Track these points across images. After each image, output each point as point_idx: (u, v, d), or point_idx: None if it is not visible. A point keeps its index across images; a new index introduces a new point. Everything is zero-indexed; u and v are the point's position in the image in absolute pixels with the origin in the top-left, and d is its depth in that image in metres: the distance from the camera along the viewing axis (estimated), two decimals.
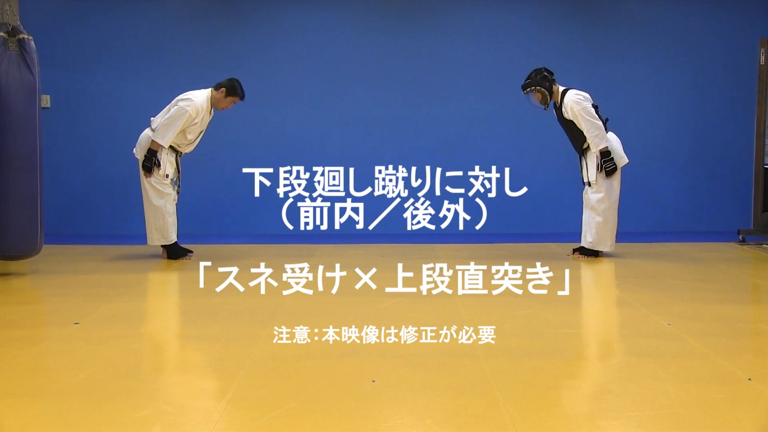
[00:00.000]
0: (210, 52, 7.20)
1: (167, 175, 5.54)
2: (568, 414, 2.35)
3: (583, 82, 7.31)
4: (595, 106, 5.57)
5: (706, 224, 7.34)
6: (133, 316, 3.83)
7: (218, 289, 4.54)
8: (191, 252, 5.65)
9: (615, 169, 5.47)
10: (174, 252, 5.57)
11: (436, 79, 7.09)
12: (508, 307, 3.99)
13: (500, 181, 7.41)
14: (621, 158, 5.56)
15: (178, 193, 5.68)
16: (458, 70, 7.25)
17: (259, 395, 2.59)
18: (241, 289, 4.87)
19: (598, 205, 5.46)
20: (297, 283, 4.92)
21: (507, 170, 6.91)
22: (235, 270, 5.25)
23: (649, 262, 5.51)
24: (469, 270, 5.20)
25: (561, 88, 5.61)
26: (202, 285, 4.67)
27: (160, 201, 5.51)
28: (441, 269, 5.24)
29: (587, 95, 5.57)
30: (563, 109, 5.56)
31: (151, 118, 5.60)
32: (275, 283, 5.00)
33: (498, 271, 4.83)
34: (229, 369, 2.83)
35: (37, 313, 4.11)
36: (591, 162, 5.52)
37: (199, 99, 5.47)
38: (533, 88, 5.54)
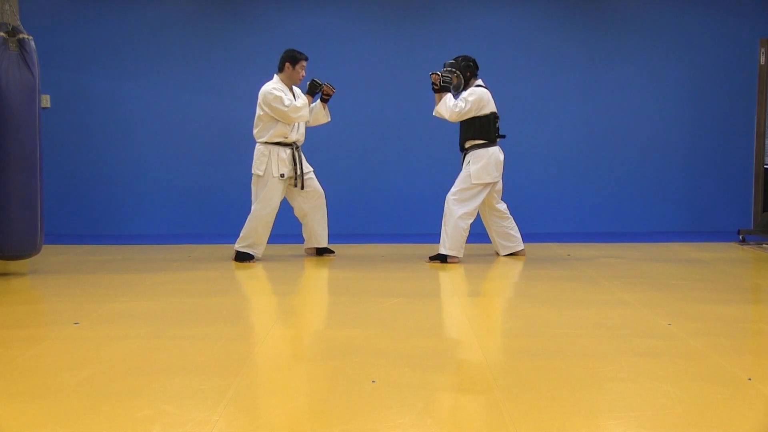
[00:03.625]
0: (210, 52, 7.21)
1: (282, 174, 5.42)
2: (568, 414, 2.35)
3: (583, 83, 7.33)
4: (495, 114, 5.45)
5: (706, 224, 7.34)
6: (133, 316, 3.83)
7: (218, 289, 4.55)
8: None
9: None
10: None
11: None
12: (508, 307, 3.98)
13: (501, 181, 7.39)
14: (488, 174, 5.40)
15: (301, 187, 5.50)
16: None
17: (259, 395, 2.59)
18: (241, 288, 4.88)
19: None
20: (297, 283, 4.92)
21: (505, 170, 6.91)
22: (234, 270, 5.27)
23: (649, 262, 5.51)
24: (469, 270, 5.21)
25: (480, 82, 5.53)
26: (202, 285, 4.68)
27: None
28: (441, 269, 5.25)
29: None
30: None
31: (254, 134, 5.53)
32: (275, 283, 5.01)
33: (498, 271, 4.83)
34: (229, 369, 2.83)
35: (37, 313, 4.11)
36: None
37: (269, 84, 5.39)
38: (453, 70, 5.45)
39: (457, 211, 5.34)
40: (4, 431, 2.24)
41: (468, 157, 5.46)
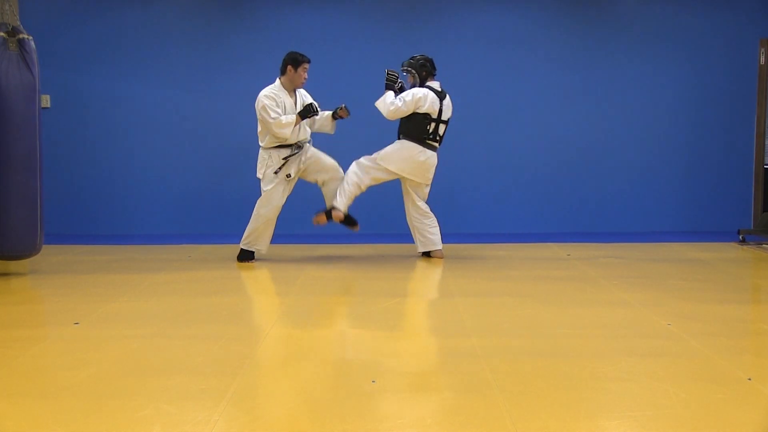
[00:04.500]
0: (210, 52, 7.20)
1: (289, 175, 5.42)
2: (568, 414, 2.35)
3: (583, 82, 7.33)
4: (431, 117, 5.45)
5: (706, 224, 7.33)
6: (133, 316, 3.83)
7: (218, 289, 4.55)
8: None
9: None
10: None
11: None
12: (508, 307, 3.99)
13: (501, 181, 7.44)
14: (394, 163, 5.44)
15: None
16: (458, 71, 7.24)
17: (259, 395, 2.59)
18: (241, 288, 4.88)
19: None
20: (297, 283, 4.92)
21: (506, 170, 6.93)
22: (234, 270, 5.27)
23: (650, 262, 5.51)
24: (468, 270, 5.21)
25: (437, 84, 5.52)
26: (202, 285, 4.68)
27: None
28: (441, 269, 5.25)
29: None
30: (445, 107, 5.47)
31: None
32: (275, 284, 5.01)
33: (498, 272, 4.83)
34: (229, 369, 2.83)
35: (37, 313, 4.11)
36: None
37: (266, 90, 5.36)
38: (409, 69, 5.49)
39: (352, 173, 5.46)
40: (4, 431, 2.24)
41: (396, 141, 5.52)
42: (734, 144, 7.33)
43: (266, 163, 5.40)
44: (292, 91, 5.43)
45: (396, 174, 5.49)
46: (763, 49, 7.14)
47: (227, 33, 7.21)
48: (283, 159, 5.37)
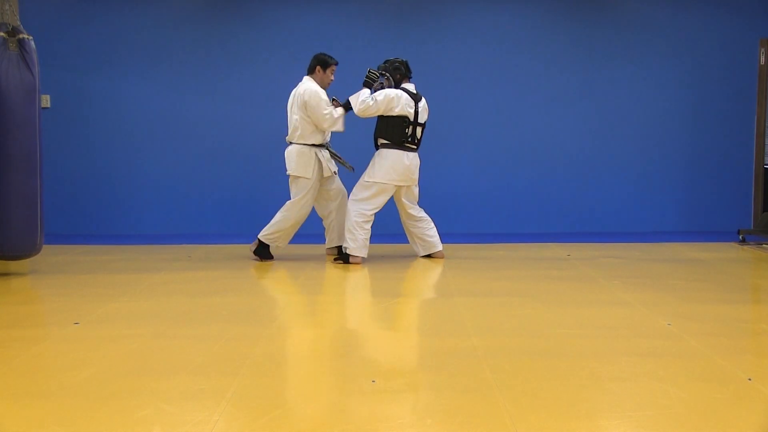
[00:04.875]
0: (210, 52, 7.20)
1: (335, 172, 5.56)
2: (568, 414, 2.35)
3: (583, 82, 7.33)
4: (408, 119, 5.43)
5: (706, 224, 7.34)
6: (133, 316, 3.83)
7: (218, 289, 4.55)
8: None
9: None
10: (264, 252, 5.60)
11: (436, 79, 7.08)
12: (508, 307, 3.99)
13: (501, 181, 7.43)
14: (386, 175, 5.41)
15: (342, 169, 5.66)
16: (458, 71, 7.25)
17: (259, 395, 2.59)
18: (241, 288, 4.88)
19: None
20: (297, 283, 4.92)
21: (506, 170, 6.92)
22: (234, 270, 5.27)
23: (649, 262, 5.51)
24: (468, 270, 5.21)
25: (412, 86, 5.52)
26: (202, 285, 4.68)
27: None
28: (441, 269, 5.25)
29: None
30: (420, 109, 5.47)
31: (286, 138, 5.56)
32: (275, 283, 5.01)
33: (498, 272, 4.82)
34: (229, 369, 2.83)
35: (37, 313, 4.11)
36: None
37: (311, 85, 5.45)
38: (383, 73, 5.49)
39: (351, 210, 5.40)
40: (4, 431, 2.24)
41: (375, 155, 5.51)
42: (734, 144, 7.33)
43: (312, 162, 5.43)
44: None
45: (388, 184, 5.42)
46: (763, 49, 7.14)
47: (228, 33, 7.21)
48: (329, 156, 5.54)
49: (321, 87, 5.50)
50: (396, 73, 5.50)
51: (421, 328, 3.54)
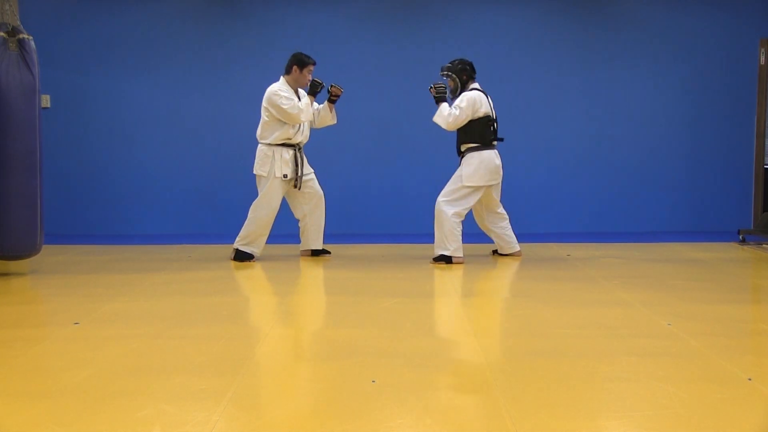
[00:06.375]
0: (210, 52, 7.21)
1: (285, 175, 5.44)
2: (568, 414, 2.35)
3: (583, 83, 7.33)
4: (490, 117, 5.45)
5: (706, 224, 7.34)
6: (133, 316, 3.83)
7: (218, 289, 4.55)
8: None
9: None
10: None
11: (435, 79, 7.09)
12: (508, 307, 3.98)
13: (501, 181, 7.40)
14: (480, 177, 5.39)
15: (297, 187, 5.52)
16: None
17: (259, 395, 2.59)
18: (241, 288, 4.88)
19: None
20: (296, 283, 4.92)
21: (505, 170, 6.88)
22: (234, 270, 5.27)
23: (649, 262, 5.51)
24: (468, 270, 5.21)
25: (477, 85, 5.52)
26: (202, 285, 4.67)
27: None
28: (440, 269, 5.25)
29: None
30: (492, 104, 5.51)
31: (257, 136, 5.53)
32: (275, 284, 5.01)
33: (498, 272, 4.82)
34: (229, 369, 2.83)
35: (37, 313, 4.11)
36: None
37: (274, 86, 5.41)
38: (449, 74, 5.48)
39: (448, 212, 5.36)
40: (4, 431, 2.24)
41: (463, 160, 5.48)
42: (734, 144, 7.33)
43: (269, 161, 5.40)
44: (295, 91, 5.49)
45: (483, 186, 5.41)
46: (763, 49, 7.14)
47: (228, 33, 7.21)
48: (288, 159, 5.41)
49: (297, 86, 5.46)
50: (462, 74, 5.49)
51: (421, 328, 3.54)
